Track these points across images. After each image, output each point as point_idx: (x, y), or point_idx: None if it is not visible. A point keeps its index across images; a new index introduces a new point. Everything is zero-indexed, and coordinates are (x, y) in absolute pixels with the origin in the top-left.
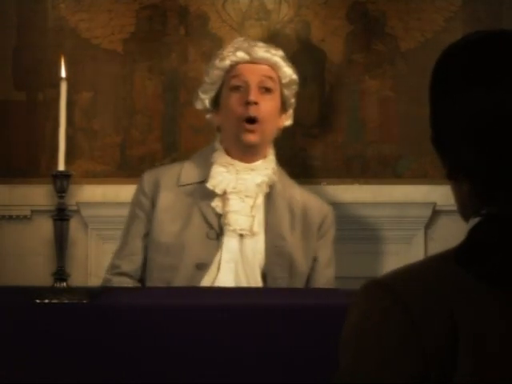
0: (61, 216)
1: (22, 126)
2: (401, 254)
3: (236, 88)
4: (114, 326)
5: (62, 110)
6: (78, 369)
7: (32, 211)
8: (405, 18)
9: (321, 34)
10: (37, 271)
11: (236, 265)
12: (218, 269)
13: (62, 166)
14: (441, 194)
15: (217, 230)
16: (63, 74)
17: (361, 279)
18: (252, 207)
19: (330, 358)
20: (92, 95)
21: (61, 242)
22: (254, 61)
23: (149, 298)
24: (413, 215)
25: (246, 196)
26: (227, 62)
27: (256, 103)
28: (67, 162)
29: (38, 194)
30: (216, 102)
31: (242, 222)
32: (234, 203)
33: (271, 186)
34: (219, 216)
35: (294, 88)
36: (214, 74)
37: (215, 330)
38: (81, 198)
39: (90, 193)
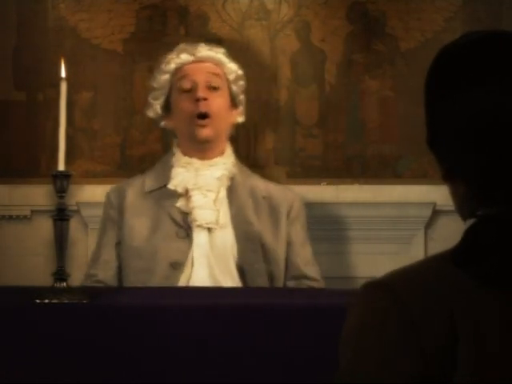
0: (61, 216)
1: (21, 126)
2: (401, 254)
3: (185, 89)
4: (114, 326)
5: (62, 110)
6: (77, 369)
7: (32, 211)
8: (405, 18)
9: (321, 34)
10: (37, 271)
11: (208, 259)
12: (192, 265)
13: (62, 166)
14: (441, 194)
15: (186, 228)
16: (63, 74)
17: (361, 279)
18: (215, 201)
19: (329, 358)
20: (92, 95)
21: (61, 242)
22: (198, 60)
23: (149, 298)
24: (413, 215)
25: (208, 190)
26: (172, 66)
27: (205, 99)
28: (67, 162)
29: (38, 194)
30: (167, 106)
31: (208, 215)
32: (198, 199)
33: (232, 179)
34: (186, 215)
35: (242, 84)
36: (162, 78)
37: (215, 330)
38: (81, 198)
39: (90, 193)
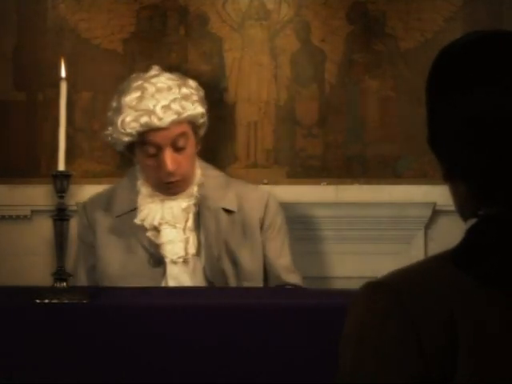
0: (61, 216)
1: (21, 126)
2: (401, 253)
3: (150, 153)
4: (114, 325)
5: (62, 110)
6: (77, 369)
7: (32, 211)
8: (405, 18)
9: (321, 34)
10: (37, 271)
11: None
12: None
13: (62, 166)
14: (441, 194)
15: (159, 258)
16: (63, 74)
17: (361, 279)
18: (184, 230)
19: (330, 358)
20: (92, 95)
21: (61, 241)
22: (162, 127)
23: (149, 298)
24: (413, 215)
25: (176, 222)
26: (134, 132)
27: (176, 169)
28: (67, 162)
29: (38, 194)
30: (131, 149)
31: (178, 249)
32: (166, 233)
33: (199, 202)
34: (157, 244)
35: (204, 114)
36: (120, 139)
37: (215, 330)
38: (81, 198)
39: (90, 193)
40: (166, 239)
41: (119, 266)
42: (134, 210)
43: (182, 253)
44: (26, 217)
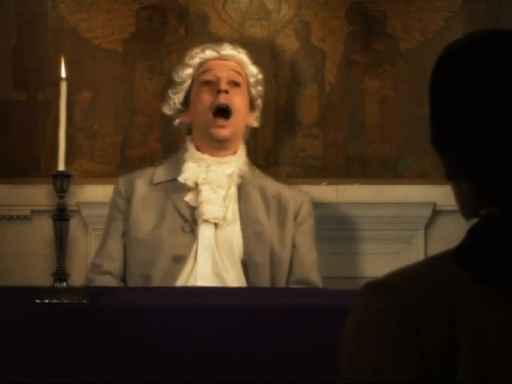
0: (61, 216)
1: (22, 126)
2: (401, 253)
3: (207, 82)
4: (114, 325)
5: (62, 110)
6: (78, 369)
7: (32, 211)
8: (405, 18)
9: (321, 33)
10: (37, 271)
11: (213, 254)
12: (195, 259)
13: (62, 166)
14: (441, 194)
15: (191, 223)
16: (63, 74)
17: (361, 279)
18: (224, 197)
19: (330, 358)
20: (92, 95)
21: (61, 242)
22: (222, 57)
23: (149, 297)
24: (413, 215)
25: (218, 187)
26: (197, 60)
27: (227, 91)
28: (67, 162)
29: (38, 194)
30: (186, 101)
31: (216, 211)
32: (207, 194)
33: (242, 177)
34: (193, 209)
35: (260, 89)
36: (184, 72)
37: (215, 330)
38: (81, 198)
39: (90, 193)
40: (205, 198)
41: (150, 230)
42: (174, 180)
43: (220, 215)
44: (25, 217)
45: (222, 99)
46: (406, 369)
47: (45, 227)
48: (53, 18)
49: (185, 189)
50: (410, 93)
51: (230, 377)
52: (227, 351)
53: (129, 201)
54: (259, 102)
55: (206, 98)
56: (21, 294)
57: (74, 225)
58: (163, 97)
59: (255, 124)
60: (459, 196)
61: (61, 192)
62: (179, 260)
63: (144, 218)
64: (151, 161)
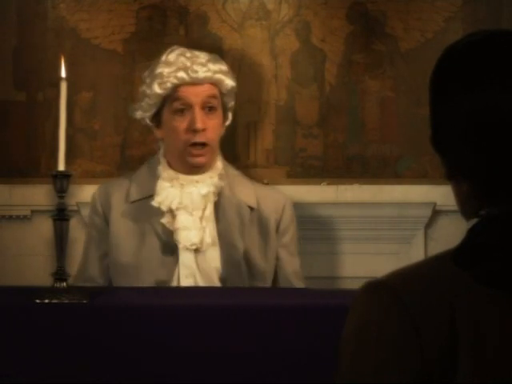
0: (61, 216)
1: (21, 126)
2: (401, 253)
3: (179, 111)
4: (114, 325)
5: (62, 110)
6: (78, 369)
7: (32, 211)
8: (405, 18)
9: (321, 33)
10: (37, 271)
11: (195, 279)
12: (178, 284)
13: (62, 166)
14: (441, 194)
15: (172, 246)
16: (63, 74)
17: (361, 279)
18: (201, 218)
19: (330, 358)
20: (92, 95)
21: (61, 242)
22: (195, 82)
23: (149, 298)
24: (413, 215)
25: (194, 209)
26: (168, 85)
27: (204, 130)
28: (67, 161)
29: (38, 194)
30: (157, 118)
31: (192, 236)
32: (183, 219)
33: (219, 194)
34: (171, 232)
35: (234, 92)
36: (154, 95)
37: (215, 330)
38: (81, 198)
39: (90, 193)
40: (181, 225)
41: (132, 254)
42: (150, 196)
43: (197, 240)
44: (25, 217)
45: (199, 138)
46: (405, 368)
47: (45, 227)
48: (53, 18)
49: (160, 210)
50: (410, 93)
51: (230, 377)
52: (227, 351)
53: (106, 219)
54: (232, 103)
55: (181, 133)
56: (21, 294)
57: (74, 225)
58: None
59: (228, 123)
60: (459, 196)
61: (61, 192)
62: (162, 285)
63: (124, 241)
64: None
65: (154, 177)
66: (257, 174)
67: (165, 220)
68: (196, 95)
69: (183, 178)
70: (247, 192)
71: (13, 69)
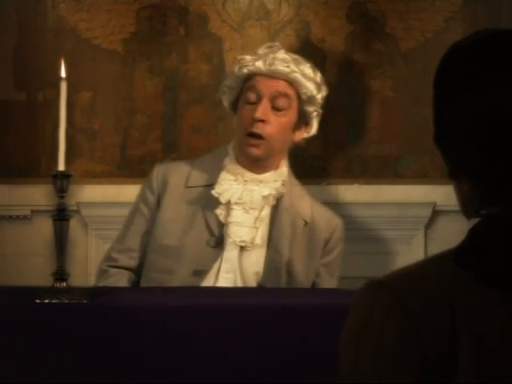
0: (61, 216)
1: (22, 125)
2: (401, 254)
3: (250, 101)
4: (114, 325)
5: (62, 110)
6: (78, 369)
7: (32, 211)
8: (405, 18)
9: (321, 33)
10: (37, 271)
11: (235, 276)
12: (217, 277)
13: (62, 166)
14: (441, 194)
15: (218, 238)
16: (63, 74)
17: (361, 279)
18: (256, 219)
19: (330, 358)
20: (92, 95)
21: (61, 242)
22: (271, 74)
23: (149, 298)
24: (413, 215)
25: (251, 208)
26: (245, 71)
27: (263, 121)
28: (67, 161)
29: (38, 194)
30: (235, 105)
31: (244, 233)
32: (238, 214)
33: (278, 199)
34: (222, 224)
35: (318, 102)
36: (233, 80)
37: (215, 330)
38: (81, 198)
39: (90, 193)
40: (235, 220)
41: (177, 238)
42: (209, 185)
43: (247, 238)
44: (25, 217)
45: (256, 129)
46: (406, 368)
47: (45, 227)
48: (53, 18)
49: (217, 201)
50: (410, 93)
51: (230, 377)
52: (227, 351)
53: (159, 199)
54: (315, 114)
55: (244, 120)
56: (21, 294)
57: (74, 225)
58: (163, 97)
59: (309, 134)
60: (461, 195)
61: (61, 192)
62: (199, 274)
63: (171, 223)
64: (151, 161)
65: (219, 167)
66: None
67: (219, 211)
68: (268, 87)
69: (248, 175)
70: (305, 205)
71: (13, 69)
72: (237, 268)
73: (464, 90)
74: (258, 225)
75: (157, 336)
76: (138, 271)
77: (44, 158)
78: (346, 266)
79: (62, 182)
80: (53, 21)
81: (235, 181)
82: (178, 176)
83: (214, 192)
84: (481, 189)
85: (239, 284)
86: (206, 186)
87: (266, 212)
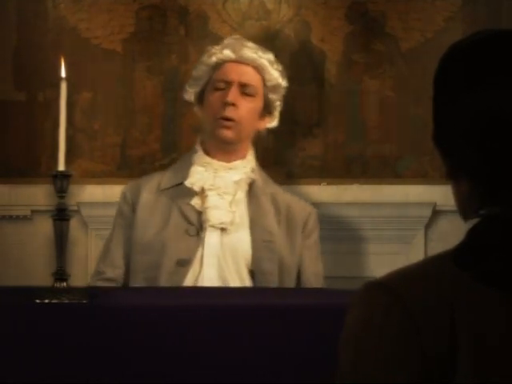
0: (61, 216)
1: (22, 125)
2: (401, 253)
3: (219, 87)
4: (114, 325)
5: (62, 110)
6: (77, 369)
7: (32, 211)
8: (405, 18)
9: (321, 33)
10: (37, 271)
11: (219, 259)
12: (201, 265)
13: (62, 166)
14: (441, 194)
15: (197, 227)
16: (63, 74)
17: (361, 279)
18: (231, 202)
19: (329, 358)
20: (92, 95)
21: (61, 242)
22: (239, 60)
23: (149, 298)
24: (413, 215)
25: (225, 192)
26: (213, 59)
27: (234, 104)
28: (67, 161)
29: (38, 194)
30: (201, 96)
31: (222, 216)
32: (213, 199)
33: (251, 184)
34: (199, 213)
35: (281, 92)
36: (201, 69)
37: (215, 330)
38: (81, 198)
39: (90, 193)
40: (211, 204)
41: (155, 234)
42: (181, 183)
43: (226, 220)
44: (25, 217)
45: (228, 112)
46: (406, 368)
47: (45, 227)
48: (53, 18)
49: (191, 193)
50: (410, 93)
51: (230, 377)
52: (227, 351)
53: (134, 207)
54: (277, 103)
55: (214, 106)
56: (21, 294)
57: (74, 225)
58: (163, 97)
59: (272, 125)
60: (459, 195)
61: (61, 192)
62: (183, 264)
63: (149, 222)
64: (151, 161)
65: (188, 165)
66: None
67: (194, 201)
68: (237, 73)
69: (217, 164)
70: (279, 192)
71: (13, 69)
72: (220, 251)
73: (463, 90)
74: (233, 208)
75: (156, 336)
76: (125, 279)
77: (44, 158)
78: (345, 265)
79: (62, 182)
80: (53, 21)
81: (206, 171)
82: (149, 184)
83: (186, 183)
84: (480, 189)
85: (225, 267)
86: (178, 184)
87: (240, 196)
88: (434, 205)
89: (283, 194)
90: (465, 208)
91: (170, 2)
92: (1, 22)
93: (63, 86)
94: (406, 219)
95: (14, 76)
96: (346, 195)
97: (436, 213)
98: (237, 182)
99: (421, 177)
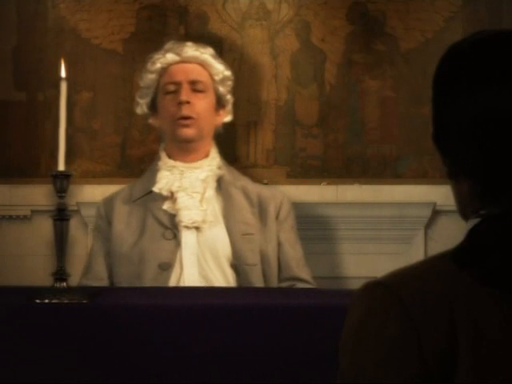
0: (61, 216)
1: (21, 126)
2: (401, 254)
3: (170, 91)
4: (113, 325)
5: (62, 110)
6: (77, 369)
7: (32, 211)
8: (405, 18)
9: (321, 33)
10: (37, 271)
11: (198, 258)
12: (181, 266)
13: (62, 166)
14: (441, 194)
15: (173, 230)
16: (63, 74)
17: (361, 279)
18: (201, 201)
19: (329, 358)
20: (92, 95)
21: (61, 242)
22: (183, 60)
23: (149, 297)
24: (413, 215)
25: (193, 192)
26: (158, 65)
27: (188, 102)
28: (67, 161)
29: (38, 194)
30: (154, 105)
31: (193, 215)
32: (183, 200)
33: (219, 180)
34: (173, 216)
35: (229, 84)
36: (148, 77)
37: (215, 330)
38: (81, 198)
39: (90, 193)
40: (182, 205)
41: (133, 243)
42: (151, 191)
43: (198, 218)
44: (25, 217)
45: (184, 111)
46: (405, 368)
47: (45, 227)
48: (53, 18)
49: (162, 198)
50: (410, 93)
51: (230, 377)
52: (227, 351)
53: (109, 221)
54: (228, 97)
55: (169, 108)
56: (21, 294)
57: (74, 225)
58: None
59: (228, 119)
60: (459, 195)
61: (61, 192)
62: (165, 267)
63: (126, 233)
64: (151, 161)
65: (155, 172)
66: (257, 173)
67: (166, 205)
68: (184, 73)
69: (182, 165)
70: (249, 184)
71: (13, 69)
72: (199, 250)
73: (463, 90)
74: (204, 206)
75: (157, 336)
76: None
77: (44, 158)
78: (345, 265)
79: (61, 182)
80: (53, 21)
81: (171, 174)
82: (120, 197)
83: (155, 189)
84: (480, 189)
85: (205, 265)
86: (148, 193)
87: (210, 193)
88: (434, 205)
89: (253, 186)
90: (465, 208)
91: (170, 2)
92: (1, 22)
93: (63, 86)
94: (406, 219)
95: (14, 76)
96: (346, 195)
97: (436, 213)
98: (204, 180)
99: (421, 177)
